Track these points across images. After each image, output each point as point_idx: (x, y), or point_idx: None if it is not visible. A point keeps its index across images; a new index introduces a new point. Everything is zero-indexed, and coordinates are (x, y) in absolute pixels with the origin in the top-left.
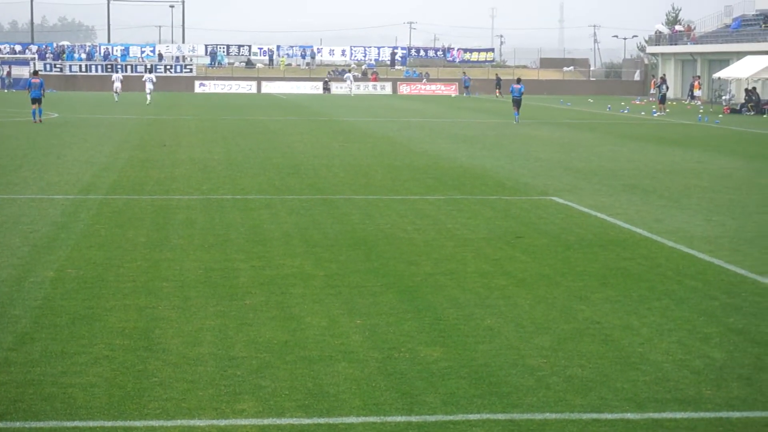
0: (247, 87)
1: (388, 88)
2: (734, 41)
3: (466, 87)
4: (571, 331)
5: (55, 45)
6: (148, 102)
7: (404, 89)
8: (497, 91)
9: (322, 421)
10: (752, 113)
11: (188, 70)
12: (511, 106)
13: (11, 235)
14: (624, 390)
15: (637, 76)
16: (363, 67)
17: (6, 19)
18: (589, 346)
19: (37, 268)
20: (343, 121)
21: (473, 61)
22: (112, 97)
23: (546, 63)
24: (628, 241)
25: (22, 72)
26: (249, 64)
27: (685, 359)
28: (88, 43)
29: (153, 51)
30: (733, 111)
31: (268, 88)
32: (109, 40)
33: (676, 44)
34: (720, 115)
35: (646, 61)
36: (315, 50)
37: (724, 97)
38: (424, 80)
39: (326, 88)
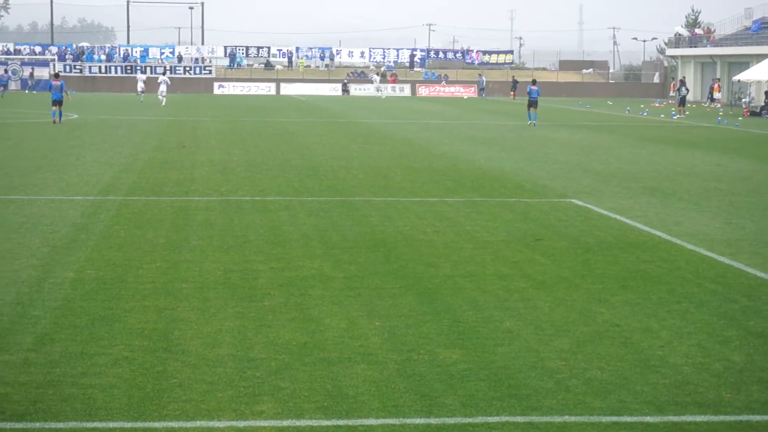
0: (266, 88)
1: (407, 90)
2: (754, 44)
3: (482, 89)
4: (591, 333)
5: (74, 46)
6: (163, 104)
7: (423, 91)
8: (512, 93)
9: (341, 422)
10: None
11: (207, 72)
12: (526, 108)
13: (31, 235)
14: (643, 393)
15: (656, 79)
16: (382, 69)
17: (26, 21)
18: (609, 349)
19: (57, 268)
20: (362, 123)
21: (492, 63)
22: (137, 97)
23: (565, 65)
24: (648, 243)
25: (43, 73)
26: (268, 65)
27: (705, 362)
28: (107, 45)
29: (172, 52)
30: (753, 114)
31: (287, 89)
32: (128, 42)
33: (695, 47)
34: (740, 118)
35: (665, 64)
36: (334, 52)
37: (743, 100)
38: (443, 82)
39: (345, 90)
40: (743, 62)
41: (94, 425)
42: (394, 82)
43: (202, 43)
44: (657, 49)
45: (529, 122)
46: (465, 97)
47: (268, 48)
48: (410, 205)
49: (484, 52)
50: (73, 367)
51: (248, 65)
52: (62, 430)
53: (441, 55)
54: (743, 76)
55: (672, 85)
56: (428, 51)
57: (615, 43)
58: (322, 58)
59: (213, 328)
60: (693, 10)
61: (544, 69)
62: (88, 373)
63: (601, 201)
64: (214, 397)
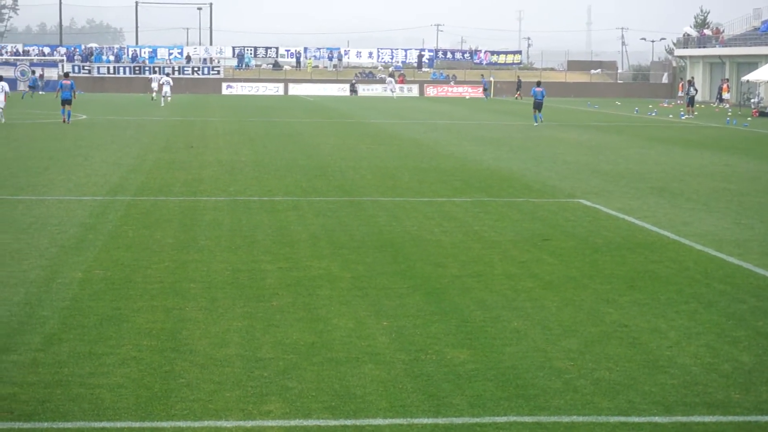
0: (274, 89)
1: (415, 91)
2: (763, 44)
3: (485, 89)
4: (599, 334)
5: (83, 47)
6: (162, 104)
7: (431, 91)
8: (517, 93)
9: (348, 422)
10: None
11: (215, 72)
12: (531, 109)
13: (39, 236)
14: (652, 393)
15: (665, 79)
16: (390, 69)
17: (35, 22)
18: (617, 349)
19: (65, 269)
20: (369, 123)
21: (500, 64)
22: (148, 98)
23: (573, 65)
24: (656, 244)
25: (52, 74)
26: (276, 66)
27: (714, 363)
28: (116, 45)
29: (181, 53)
30: (762, 114)
31: (295, 89)
32: (137, 42)
33: (704, 47)
34: (749, 118)
35: (674, 64)
36: (342, 52)
37: (752, 100)
38: (452, 83)
39: (353, 90)
40: (752, 62)
41: (102, 425)
42: (402, 82)
43: (211, 44)
44: (666, 50)
45: (536, 124)
46: (467, 97)
47: (276, 48)
48: (418, 205)
49: (493, 53)
50: (81, 367)
51: (256, 66)
52: (70, 429)
53: (449, 55)
54: (752, 76)
55: (680, 86)
56: (436, 51)
57: (623, 43)
58: (330, 59)
59: (221, 327)
60: (702, 11)
61: (552, 69)
62: (96, 372)
63: (609, 201)
64: (221, 396)
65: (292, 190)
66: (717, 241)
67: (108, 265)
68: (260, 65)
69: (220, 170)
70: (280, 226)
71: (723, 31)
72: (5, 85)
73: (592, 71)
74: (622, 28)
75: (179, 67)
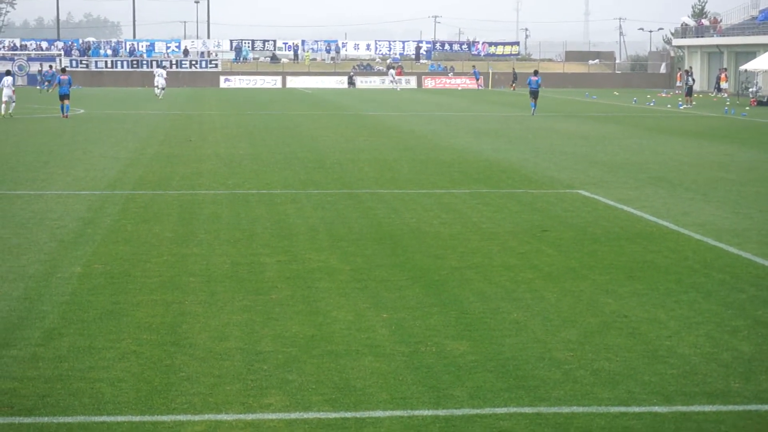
0: (272, 82)
1: (413, 82)
2: (761, 33)
3: (477, 80)
4: (598, 324)
5: (81, 41)
6: (160, 97)
7: (429, 83)
8: (512, 85)
9: (348, 415)
10: None
11: (213, 66)
12: (528, 99)
13: (38, 230)
14: (651, 383)
15: (663, 69)
16: (388, 61)
17: (32, 16)
18: (616, 340)
19: (64, 263)
20: (368, 116)
21: (498, 55)
22: (150, 92)
23: (571, 56)
24: (655, 234)
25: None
26: (274, 58)
27: (713, 352)
28: (113, 39)
29: (178, 46)
30: (760, 103)
31: (293, 82)
32: (134, 36)
33: (702, 36)
34: (747, 108)
35: (672, 54)
36: (340, 45)
37: (750, 90)
38: (450, 74)
39: (351, 83)
40: (750, 52)
41: (102, 419)
42: (399, 74)
43: (208, 37)
44: (663, 40)
45: (533, 110)
46: (460, 89)
47: (274, 41)
48: (417, 197)
49: (490, 44)
50: (81, 361)
51: (254, 59)
52: (71, 424)
53: (447, 47)
54: (750, 65)
55: (679, 76)
56: (434, 43)
57: (621, 33)
58: (328, 51)
59: (220, 321)
60: (699, 0)
61: (550, 60)
62: (96, 367)
63: (608, 192)
64: (221, 390)
65: (290, 183)
66: (716, 231)
67: (107, 260)
68: (258, 58)
69: (218, 164)
70: (279, 219)
71: (721, 20)
72: (8, 80)
73: (590, 62)
74: (620, 19)
75: (177, 61)
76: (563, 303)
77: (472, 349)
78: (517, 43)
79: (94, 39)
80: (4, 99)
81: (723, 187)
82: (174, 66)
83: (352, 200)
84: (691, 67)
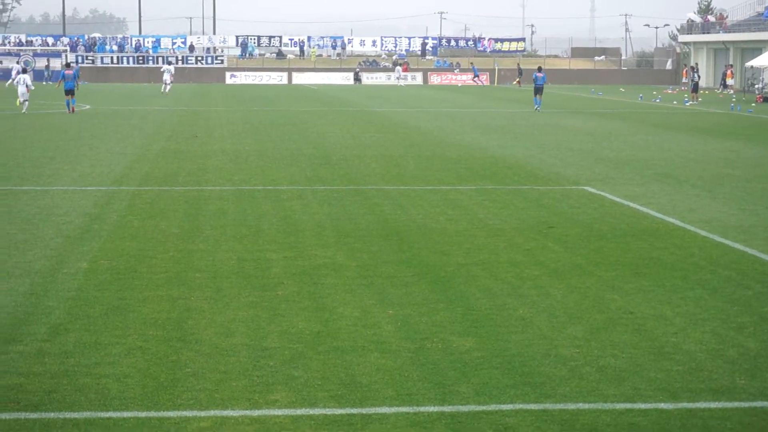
0: (278, 78)
1: (419, 79)
2: (767, 30)
3: (476, 77)
4: (604, 321)
5: (86, 37)
6: (166, 91)
7: (435, 79)
8: (517, 80)
9: (354, 411)
10: None
11: (219, 62)
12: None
13: (45, 226)
14: (657, 380)
15: (669, 65)
16: (394, 57)
17: (38, 12)
18: (622, 336)
19: (71, 259)
20: (374, 112)
21: (504, 51)
22: (158, 88)
23: (577, 52)
24: (661, 230)
25: (56, 64)
26: (280, 54)
27: (719, 349)
28: (119, 35)
29: (184, 42)
30: (766, 100)
31: (298, 78)
32: (140, 32)
33: (708, 33)
34: (753, 104)
35: (678, 50)
36: (345, 41)
37: (757, 86)
38: (457, 70)
39: (357, 79)
40: (756, 48)
41: (108, 415)
42: (405, 70)
43: (214, 33)
44: (669, 36)
45: (536, 107)
46: (459, 85)
47: (280, 37)
48: (423, 194)
49: (496, 40)
50: (87, 357)
51: (260, 55)
52: (77, 420)
53: (453, 43)
54: (756, 62)
55: (684, 72)
56: (440, 39)
57: (627, 29)
58: (334, 47)
59: (226, 317)
60: None
61: (556, 56)
62: (102, 363)
63: (614, 188)
64: (227, 386)
65: (296, 179)
66: (722, 228)
67: (113, 256)
68: (264, 54)
69: (224, 159)
70: (285, 215)
71: (727, 16)
72: (26, 77)
73: (596, 58)
74: (626, 15)
75: (183, 57)
76: (569, 299)
77: (478, 346)
78: (523, 40)
79: (99, 35)
80: (20, 99)
81: (729, 184)
82: (180, 62)
83: (358, 196)
84: (697, 64)
